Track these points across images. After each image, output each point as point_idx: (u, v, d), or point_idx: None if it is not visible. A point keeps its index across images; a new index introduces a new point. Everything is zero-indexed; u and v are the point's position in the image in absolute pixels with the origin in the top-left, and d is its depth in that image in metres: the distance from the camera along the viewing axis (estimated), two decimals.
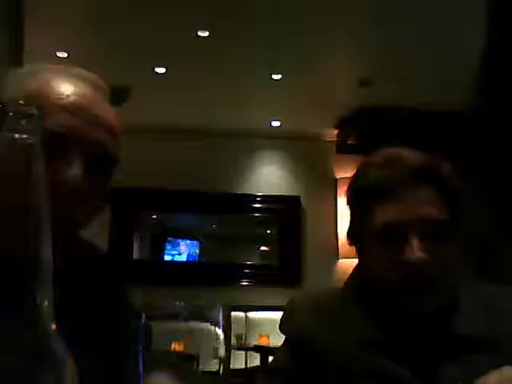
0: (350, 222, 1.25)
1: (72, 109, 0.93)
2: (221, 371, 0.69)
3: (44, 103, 0.90)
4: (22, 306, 0.45)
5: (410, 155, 1.19)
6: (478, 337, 1.14)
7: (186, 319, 0.70)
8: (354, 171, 1.28)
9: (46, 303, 0.46)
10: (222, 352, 0.70)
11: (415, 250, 1.12)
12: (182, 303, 0.72)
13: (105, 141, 0.95)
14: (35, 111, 0.48)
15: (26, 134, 0.47)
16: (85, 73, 1.00)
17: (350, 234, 1.25)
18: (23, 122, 0.47)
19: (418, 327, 1.15)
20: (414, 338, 1.15)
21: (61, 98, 0.93)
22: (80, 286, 0.94)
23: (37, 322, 0.45)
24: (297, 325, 1.24)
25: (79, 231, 0.96)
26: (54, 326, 0.46)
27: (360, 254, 1.24)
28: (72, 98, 0.94)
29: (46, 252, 0.46)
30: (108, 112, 0.98)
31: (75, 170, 0.89)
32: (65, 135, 0.90)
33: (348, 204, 1.26)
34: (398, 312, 1.16)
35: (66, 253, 0.88)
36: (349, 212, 1.26)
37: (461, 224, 1.19)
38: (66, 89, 0.94)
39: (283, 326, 1.29)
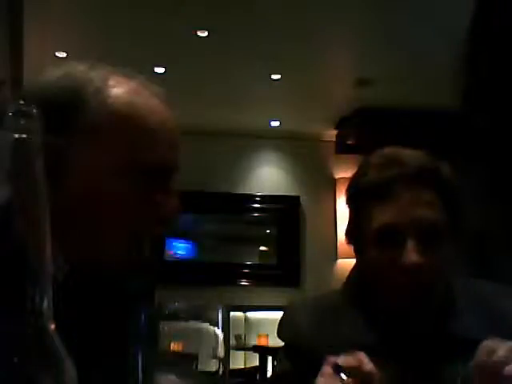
0: (349, 222, 1.25)
1: (171, 140, 0.91)
2: (220, 371, 0.69)
3: (142, 132, 0.89)
4: (22, 306, 0.45)
5: (409, 156, 1.18)
6: (475, 338, 1.14)
7: (185, 319, 0.70)
8: (354, 171, 1.27)
9: (45, 304, 0.46)
10: (221, 352, 0.70)
11: (411, 254, 1.11)
12: (181, 303, 0.72)
13: (179, 160, 0.94)
14: (35, 111, 0.48)
15: (25, 133, 0.47)
16: (151, 84, 0.96)
17: (348, 234, 1.25)
18: (23, 121, 0.47)
19: (415, 328, 1.15)
20: (411, 340, 1.15)
21: (161, 129, 0.90)
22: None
23: (37, 322, 0.45)
24: (294, 329, 1.23)
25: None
26: (53, 327, 0.46)
27: (357, 253, 1.24)
28: (169, 128, 0.91)
29: (46, 252, 0.46)
30: (176, 126, 0.96)
31: (177, 202, 0.90)
32: (171, 169, 0.91)
33: (346, 203, 1.25)
34: (395, 314, 1.15)
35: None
36: (347, 211, 1.25)
37: (460, 226, 1.18)
38: (161, 115, 0.92)
39: (281, 331, 1.28)
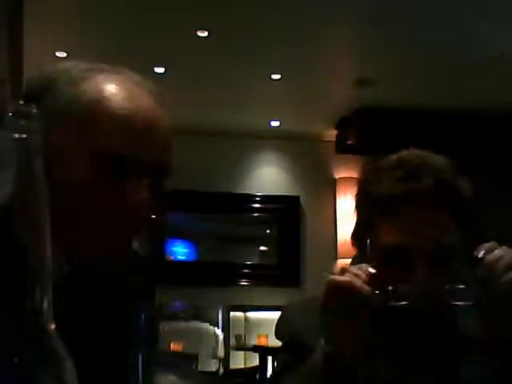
0: (356, 225, 1.18)
1: (140, 129, 0.88)
2: (220, 371, 0.69)
3: (106, 118, 0.87)
4: (22, 306, 0.45)
5: (428, 170, 1.09)
6: (475, 336, 1.12)
7: (185, 319, 0.70)
8: (363, 172, 1.21)
9: (45, 304, 0.46)
10: (221, 352, 0.70)
11: (420, 280, 1.04)
12: (182, 303, 0.72)
13: (165, 157, 0.92)
14: (35, 111, 0.48)
15: (25, 133, 0.47)
16: (137, 77, 0.95)
17: (354, 237, 1.19)
18: (23, 121, 0.47)
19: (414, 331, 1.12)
20: (408, 340, 1.11)
21: (128, 116, 0.88)
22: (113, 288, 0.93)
23: (37, 322, 0.45)
24: (291, 329, 1.20)
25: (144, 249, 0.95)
26: (53, 327, 0.46)
27: (360, 255, 1.19)
28: (139, 117, 0.89)
29: (46, 253, 0.46)
30: (166, 122, 0.94)
31: (144, 193, 0.87)
32: (133, 158, 0.87)
33: (356, 208, 1.18)
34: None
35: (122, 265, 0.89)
36: (354, 215, 1.19)
37: (473, 244, 1.08)
38: (131, 103, 0.89)
39: (278, 331, 1.25)
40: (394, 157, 1.14)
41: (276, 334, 1.26)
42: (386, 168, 1.12)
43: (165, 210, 0.94)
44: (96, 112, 0.88)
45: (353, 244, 1.20)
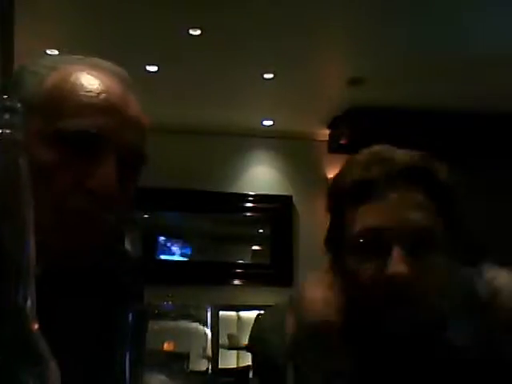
0: (329, 228, 1.11)
1: (104, 108, 0.88)
2: (209, 370, 0.69)
3: (69, 100, 0.87)
4: (4, 306, 0.44)
5: (398, 154, 1.06)
6: (466, 347, 1.05)
7: (175, 318, 0.70)
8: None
9: (28, 303, 0.45)
10: (209, 351, 0.70)
11: (397, 263, 0.97)
12: (172, 302, 0.71)
13: (136, 140, 0.91)
14: (19, 105, 0.48)
15: (10, 128, 0.46)
16: (107, 64, 0.95)
17: (327, 242, 1.11)
18: (7, 116, 0.47)
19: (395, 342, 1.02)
20: (396, 352, 1.03)
21: (90, 96, 0.87)
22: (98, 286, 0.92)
23: (20, 322, 0.44)
24: (265, 349, 1.15)
25: (113, 236, 0.93)
26: (36, 326, 0.45)
27: (335, 264, 1.09)
28: (103, 96, 0.88)
29: (30, 251, 0.45)
30: (137, 107, 0.93)
31: (110, 174, 0.86)
32: (97, 136, 0.86)
33: (327, 206, 1.11)
34: (376, 327, 1.02)
35: (97, 256, 0.87)
36: (327, 221, 1.11)
37: (457, 233, 1.04)
38: (95, 84, 0.89)
39: (251, 343, 1.20)
40: (365, 150, 1.11)
41: (249, 342, 1.21)
42: (358, 159, 1.08)
43: (132, 195, 0.92)
44: (59, 96, 0.87)
45: (327, 250, 1.12)
